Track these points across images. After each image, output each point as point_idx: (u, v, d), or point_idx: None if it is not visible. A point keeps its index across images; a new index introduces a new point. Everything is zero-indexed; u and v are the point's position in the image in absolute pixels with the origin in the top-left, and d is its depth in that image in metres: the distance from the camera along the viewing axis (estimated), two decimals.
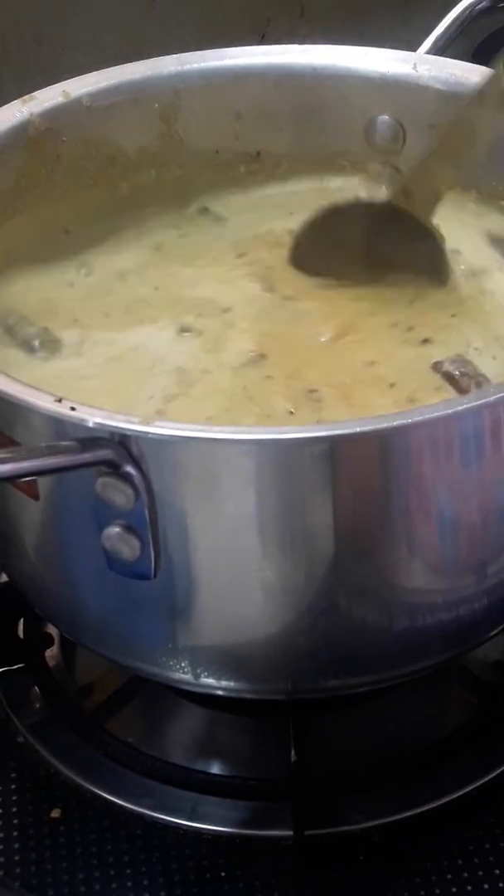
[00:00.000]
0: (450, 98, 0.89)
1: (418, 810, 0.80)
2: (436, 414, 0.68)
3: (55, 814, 0.81)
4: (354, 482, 0.69)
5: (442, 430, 0.69)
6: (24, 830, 0.80)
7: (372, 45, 0.92)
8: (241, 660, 0.75)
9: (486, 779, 0.81)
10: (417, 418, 0.68)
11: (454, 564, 0.74)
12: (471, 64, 0.90)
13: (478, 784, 0.81)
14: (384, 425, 0.68)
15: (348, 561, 0.72)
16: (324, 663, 0.75)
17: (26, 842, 0.80)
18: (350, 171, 0.94)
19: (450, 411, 0.68)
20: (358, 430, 0.67)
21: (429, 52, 0.93)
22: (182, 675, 0.76)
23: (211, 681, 0.76)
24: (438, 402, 0.69)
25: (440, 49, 0.94)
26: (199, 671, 0.75)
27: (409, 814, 0.80)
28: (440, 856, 0.78)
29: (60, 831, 0.80)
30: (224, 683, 0.77)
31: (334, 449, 0.68)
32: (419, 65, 0.91)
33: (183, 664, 0.75)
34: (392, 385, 0.79)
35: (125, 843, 0.79)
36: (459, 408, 0.68)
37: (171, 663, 0.76)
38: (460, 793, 0.81)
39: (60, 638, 0.90)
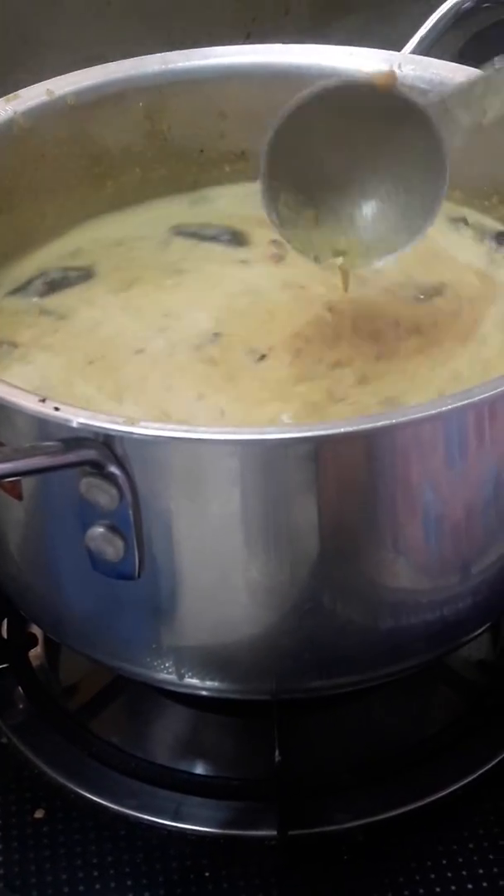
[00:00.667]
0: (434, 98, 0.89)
1: (403, 810, 0.80)
2: (420, 414, 0.68)
3: (39, 814, 0.81)
4: (339, 482, 0.69)
5: (426, 431, 0.69)
6: (8, 831, 0.80)
7: (357, 45, 0.92)
8: (225, 660, 0.75)
9: (471, 778, 0.81)
10: (402, 419, 0.67)
11: (438, 564, 0.74)
12: (455, 64, 0.90)
13: (462, 783, 0.81)
14: (368, 426, 0.67)
15: (333, 561, 0.72)
16: (308, 663, 0.75)
17: (10, 842, 0.80)
18: None
19: (434, 411, 0.68)
20: (342, 430, 0.67)
21: (413, 51, 0.93)
22: (166, 675, 0.76)
23: (195, 681, 0.76)
24: (423, 402, 0.69)
25: (425, 49, 0.93)
26: (183, 671, 0.75)
27: (393, 813, 0.80)
28: (424, 855, 0.78)
29: (44, 832, 0.80)
30: (208, 684, 0.76)
31: (319, 449, 0.68)
32: (403, 64, 0.90)
33: (167, 664, 0.75)
34: None
35: (109, 843, 0.79)
36: (444, 408, 0.68)
37: (156, 663, 0.76)
38: (445, 792, 0.81)
39: (44, 638, 0.90)
